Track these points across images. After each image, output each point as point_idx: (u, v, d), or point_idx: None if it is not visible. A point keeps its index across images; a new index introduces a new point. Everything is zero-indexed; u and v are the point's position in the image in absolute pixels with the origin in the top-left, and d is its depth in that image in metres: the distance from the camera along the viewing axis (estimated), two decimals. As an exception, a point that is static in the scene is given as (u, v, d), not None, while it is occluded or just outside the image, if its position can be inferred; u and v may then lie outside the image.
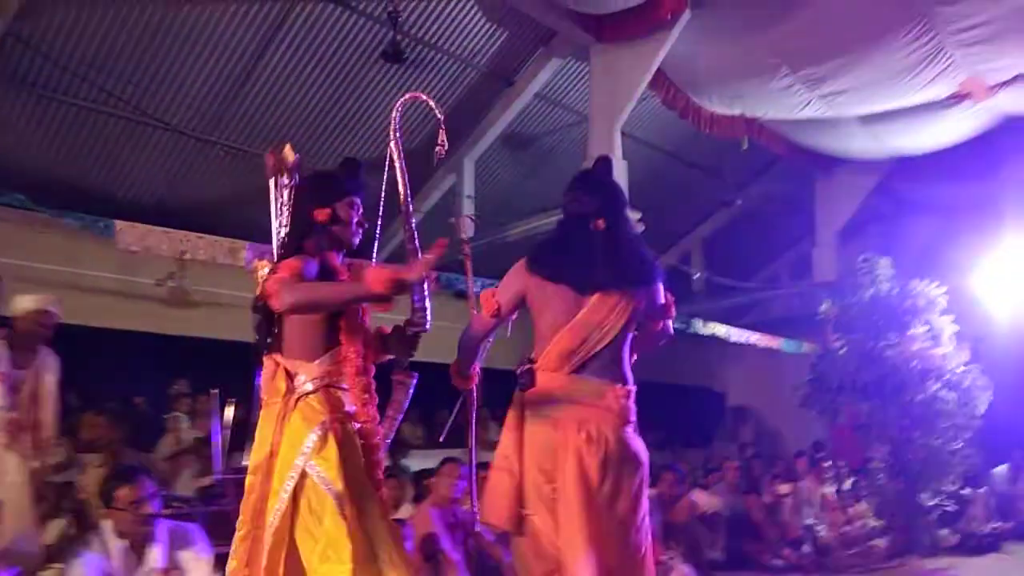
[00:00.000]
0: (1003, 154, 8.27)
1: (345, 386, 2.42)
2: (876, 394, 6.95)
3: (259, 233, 3.09)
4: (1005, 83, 6.97)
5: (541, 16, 6.48)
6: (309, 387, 2.36)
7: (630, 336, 2.58)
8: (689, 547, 5.62)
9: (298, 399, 2.34)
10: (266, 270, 2.43)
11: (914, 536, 6.88)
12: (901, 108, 7.47)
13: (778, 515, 6.93)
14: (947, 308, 7.27)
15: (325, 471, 2.26)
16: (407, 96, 2.68)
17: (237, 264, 3.88)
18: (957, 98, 7.26)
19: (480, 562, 4.52)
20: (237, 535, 2.36)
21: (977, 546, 7.04)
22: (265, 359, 2.42)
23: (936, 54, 6.51)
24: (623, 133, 6.72)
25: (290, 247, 2.43)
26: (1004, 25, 6.10)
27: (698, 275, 10.22)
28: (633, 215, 6.43)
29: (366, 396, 2.44)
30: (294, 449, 2.29)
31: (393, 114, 2.58)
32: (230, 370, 3.90)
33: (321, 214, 2.42)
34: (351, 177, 2.58)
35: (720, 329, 9.15)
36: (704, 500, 6.43)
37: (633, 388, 2.55)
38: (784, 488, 7.14)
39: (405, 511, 4.92)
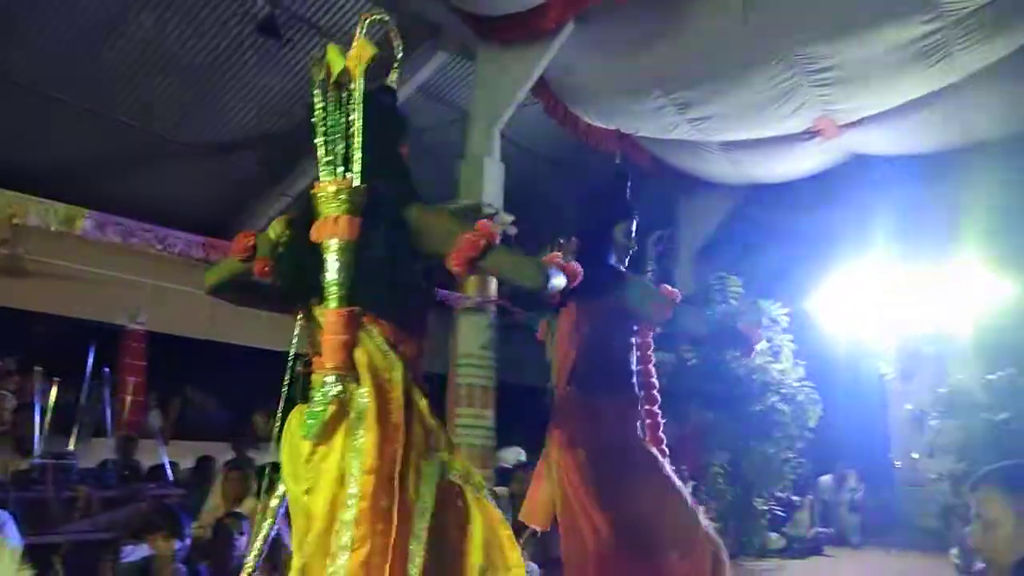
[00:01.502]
0: (844, 188, 9.00)
1: None
2: (720, 404, 7.35)
3: (102, 201, 2.88)
4: (852, 124, 7.59)
5: (427, 10, 6.44)
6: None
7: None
8: (538, 546, 5.72)
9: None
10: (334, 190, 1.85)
11: (746, 538, 7.34)
12: (760, 138, 7.98)
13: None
14: (787, 328, 7.82)
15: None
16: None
17: (74, 233, 3.59)
18: (810, 133, 7.83)
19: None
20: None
21: (801, 549, 7.62)
22: (334, 312, 1.82)
23: (794, 91, 6.99)
24: (502, 135, 6.79)
25: (406, 195, 1.96)
26: (853, 71, 6.64)
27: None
28: (506, 218, 6.55)
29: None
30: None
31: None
32: (61, 347, 3.61)
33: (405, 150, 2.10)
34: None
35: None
36: None
37: None
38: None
39: (248, 504, 4.73)
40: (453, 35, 6.83)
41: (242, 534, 4.00)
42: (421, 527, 1.75)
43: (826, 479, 8.72)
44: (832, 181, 8.93)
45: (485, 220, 2.17)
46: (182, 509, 4.16)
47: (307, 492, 1.81)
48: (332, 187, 1.86)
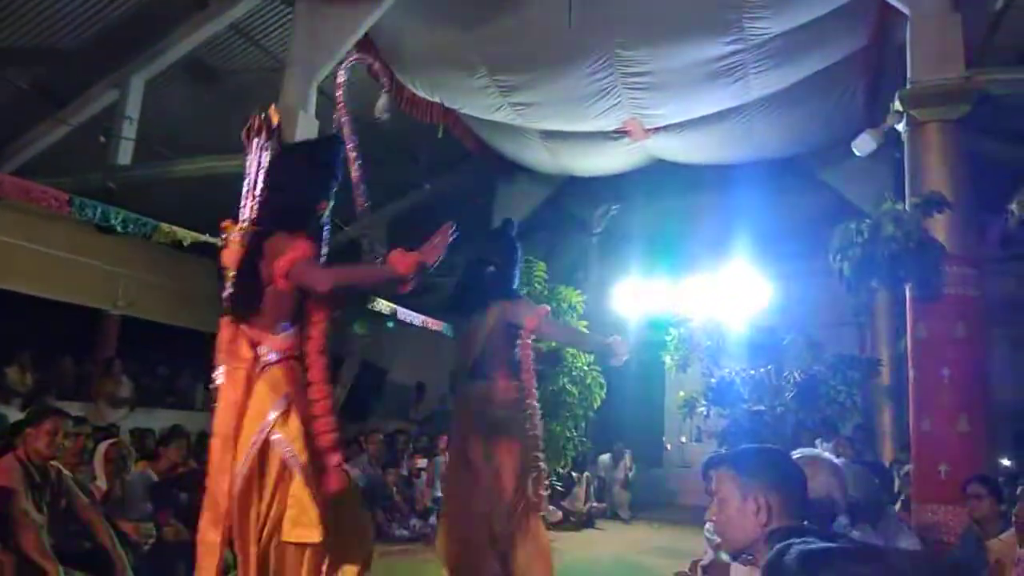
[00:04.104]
0: (644, 189, 9.60)
1: (307, 362, 2.53)
2: (514, 382, 7.58)
3: None
4: (658, 128, 8.09)
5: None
6: (273, 357, 2.46)
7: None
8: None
9: (263, 368, 2.45)
10: (234, 234, 2.57)
11: (526, 511, 7.65)
12: (576, 131, 8.29)
13: (412, 488, 7.23)
14: (583, 315, 8.22)
15: (289, 442, 2.39)
16: None
17: None
18: (620, 133, 8.25)
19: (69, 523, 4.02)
20: (206, 501, 2.45)
21: (576, 522, 8.08)
22: (223, 323, 2.49)
23: (611, 90, 7.33)
24: (322, 92, 6.50)
25: (289, 224, 2.52)
26: (665, 79, 7.07)
27: (378, 250, 10.28)
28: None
29: (325, 373, 2.55)
30: (259, 418, 2.40)
31: (338, 78, 2.82)
32: None
33: (323, 207, 2.62)
34: (337, 171, 2.74)
35: (386, 306, 9.30)
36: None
37: None
38: (421, 462, 7.47)
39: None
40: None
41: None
42: None
43: (604, 458, 9.30)
44: (635, 181, 9.50)
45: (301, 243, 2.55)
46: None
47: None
48: (233, 232, 2.56)
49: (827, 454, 2.50)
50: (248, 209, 2.63)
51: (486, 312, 3.62)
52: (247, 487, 2.39)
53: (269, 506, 2.40)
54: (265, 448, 2.40)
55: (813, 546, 1.44)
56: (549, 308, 3.97)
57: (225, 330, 2.51)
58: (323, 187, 2.65)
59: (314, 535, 2.36)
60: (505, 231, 3.96)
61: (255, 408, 2.42)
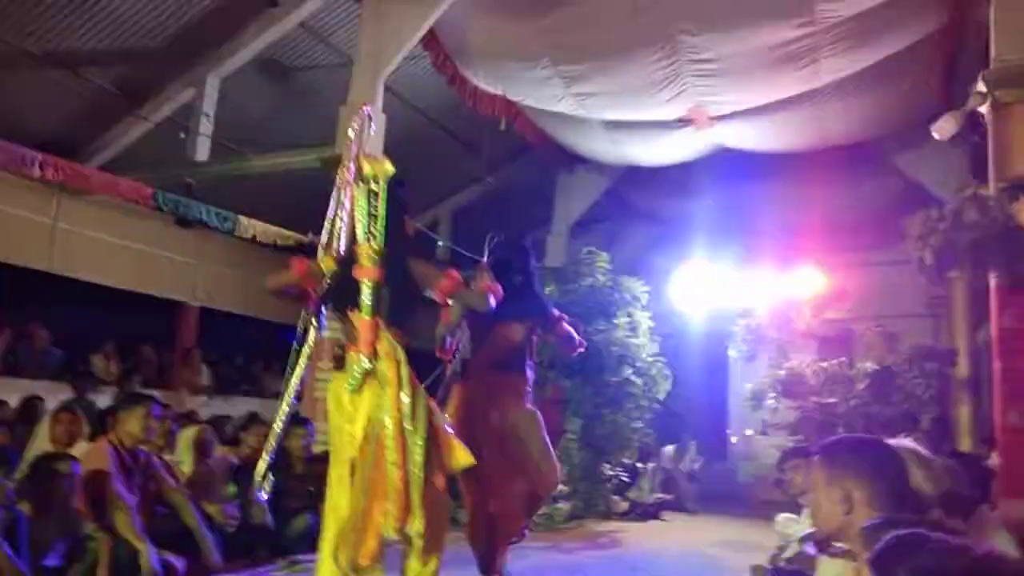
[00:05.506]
0: (709, 178, 9.46)
1: None
2: (579, 373, 7.60)
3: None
4: (723, 117, 7.95)
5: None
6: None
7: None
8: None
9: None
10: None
11: (593, 502, 7.68)
12: (639, 120, 8.22)
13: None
14: (647, 305, 8.18)
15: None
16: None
17: None
18: (684, 121, 8.13)
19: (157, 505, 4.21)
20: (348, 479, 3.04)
21: (643, 513, 8.05)
22: (366, 320, 3.04)
23: (675, 77, 7.22)
24: (389, 89, 6.61)
25: (408, 253, 3.26)
26: (731, 65, 6.94)
27: (442, 244, 10.43)
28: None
29: None
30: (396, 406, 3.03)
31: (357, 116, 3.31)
32: None
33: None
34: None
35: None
36: None
37: None
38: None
39: (80, 448, 4.44)
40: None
41: (72, 477, 3.72)
42: (418, 440, 3.04)
43: (669, 449, 9.24)
44: (698, 170, 9.37)
45: (453, 270, 3.30)
46: (6, 450, 3.82)
47: (348, 421, 3.05)
48: (368, 248, 3.07)
49: (917, 446, 2.45)
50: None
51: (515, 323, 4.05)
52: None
53: None
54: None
55: (905, 532, 1.43)
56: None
57: (368, 327, 3.06)
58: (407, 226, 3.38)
59: None
60: (520, 243, 4.46)
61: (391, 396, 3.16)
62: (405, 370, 3.06)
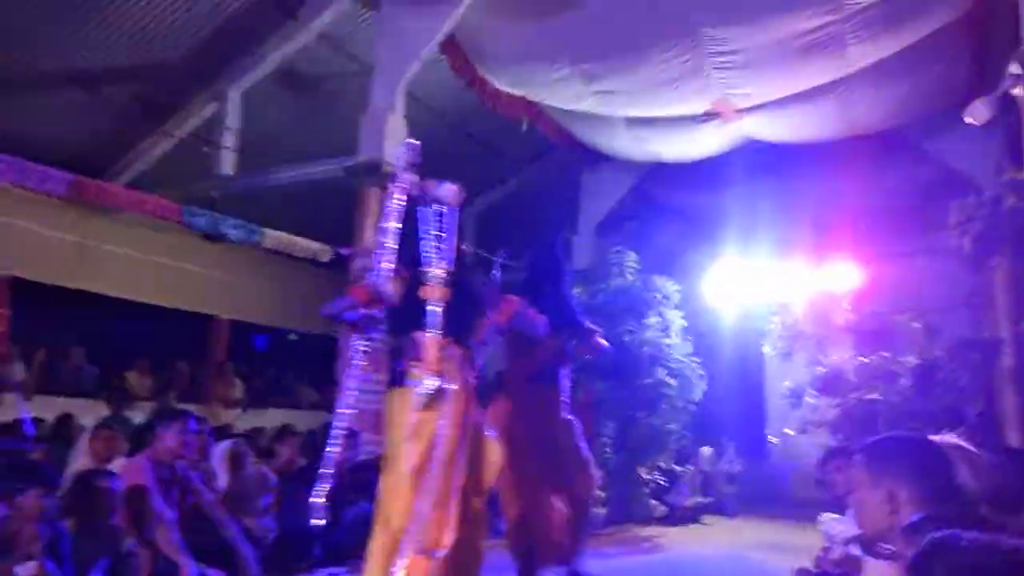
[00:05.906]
0: (737, 172, 9.30)
1: None
2: (611, 375, 7.51)
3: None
4: (749, 109, 7.82)
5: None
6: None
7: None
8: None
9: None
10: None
11: (630, 506, 7.57)
12: (662, 116, 8.11)
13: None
14: (678, 304, 8.06)
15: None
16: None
17: None
18: (709, 115, 8.01)
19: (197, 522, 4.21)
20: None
21: (681, 517, 7.92)
22: (433, 339, 3.16)
23: (698, 71, 7.11)
24: (409, 94, 6.59)
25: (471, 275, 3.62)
26: (755, 56, 6.82)
27: (466, 247, 10.39)
28: (412, 180, 6.40)
29: None
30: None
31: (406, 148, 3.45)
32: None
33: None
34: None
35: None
36: None
37: None
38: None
39: (119, 464, 4.46)
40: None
41: (114, 493, 3.74)
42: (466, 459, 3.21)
43: (707, 451, 9.08)
44: (726, 164, 9.22)
45: (512, 296, 3.61)
46: (47, 467, 3.85)
47: (409, 437, 3.10)
48: (436, 271, 3.22)
49: (963, 441, 2.36)
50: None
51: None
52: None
53: None
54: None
55: (940, 535, 1.39)
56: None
57: (455, 353, 3.23)
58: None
59: None
60: (553, 250, 4.73)
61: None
62: (467, 389, 3.19)
